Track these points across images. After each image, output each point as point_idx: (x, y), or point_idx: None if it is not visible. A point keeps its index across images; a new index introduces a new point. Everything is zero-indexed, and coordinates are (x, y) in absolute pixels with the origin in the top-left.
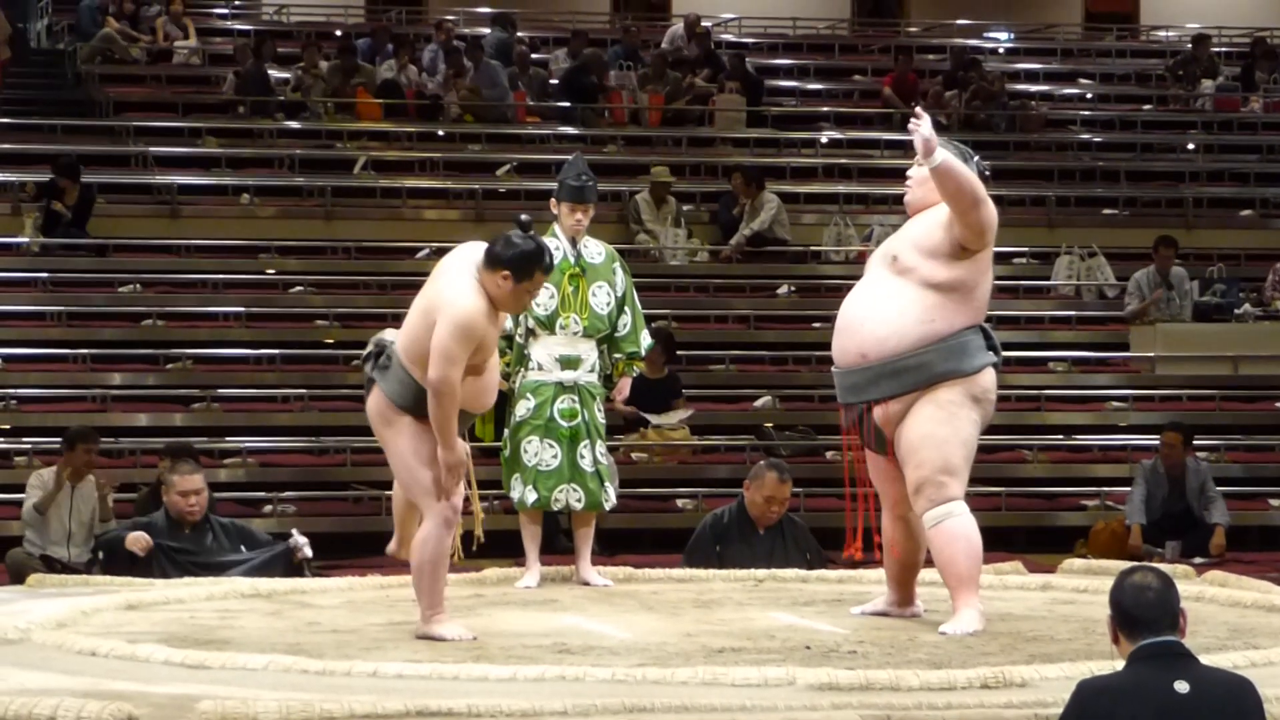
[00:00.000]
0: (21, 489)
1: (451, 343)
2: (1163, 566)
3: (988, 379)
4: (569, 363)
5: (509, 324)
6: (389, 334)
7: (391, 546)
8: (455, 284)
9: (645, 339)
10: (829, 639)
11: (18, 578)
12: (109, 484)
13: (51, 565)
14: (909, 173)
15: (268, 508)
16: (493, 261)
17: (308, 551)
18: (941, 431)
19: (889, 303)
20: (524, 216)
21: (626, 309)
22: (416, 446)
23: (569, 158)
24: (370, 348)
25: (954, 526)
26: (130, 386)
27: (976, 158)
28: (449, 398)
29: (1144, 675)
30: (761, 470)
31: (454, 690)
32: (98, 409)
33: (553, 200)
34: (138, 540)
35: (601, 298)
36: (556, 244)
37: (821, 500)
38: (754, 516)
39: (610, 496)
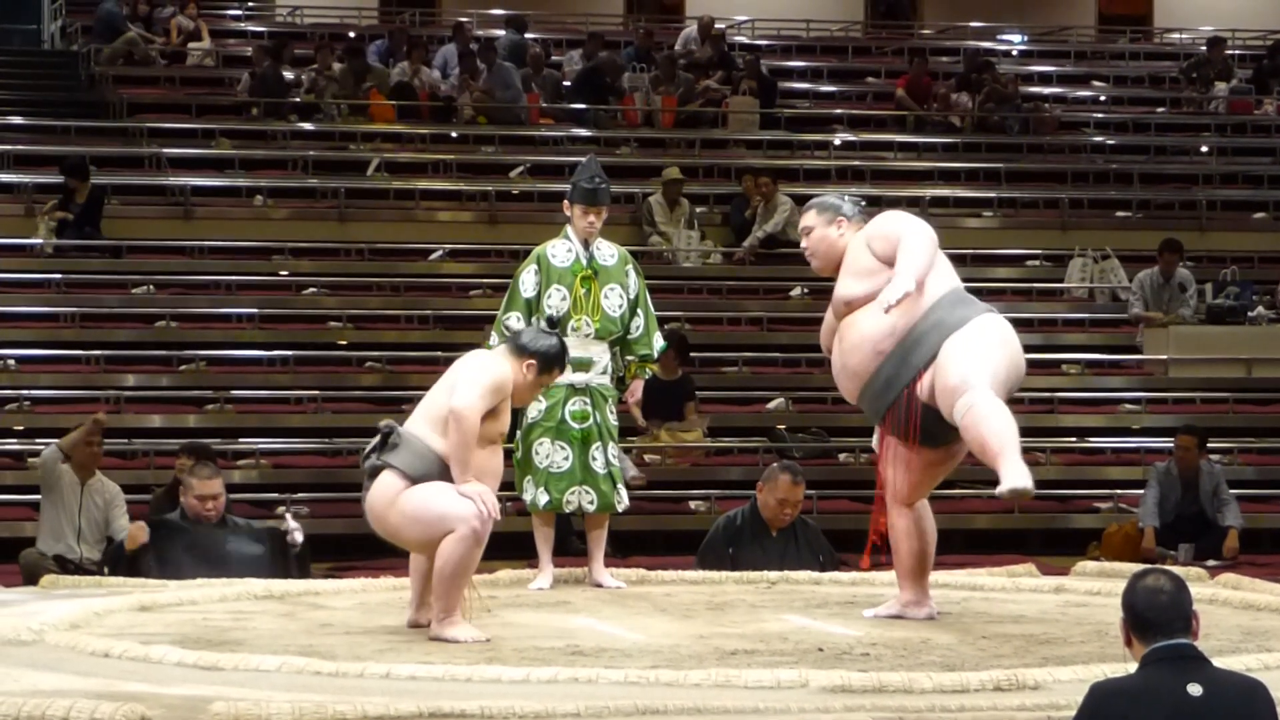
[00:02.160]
0: (36, 489)
1: (483, 381)
2: (1175, 569)
3: (1004, 326)
4: (580, 365)
5: (521, 326)
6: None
7: (410, 615)
8: (480, 354)
9: (658, 341)
10: (842, 641)
11: (31, 579)
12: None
13: (65, 566)
14: (803, 230)
15: (280, 509)
16: (520, 350)
17: (298, 537)
18: (960, 351)
19: (866, 316)
20: (551, 314)
21: (639, 311)
22: (418, 495)
23: (583, 159)
24: (374, 441)
25: (977, 410)
26: (143, 388)
27: (846, 199)
28: (469, 426)
29: (1157, 678)
30: (774, 472)
31: (467, 692)
32: (111, 410)
33: (565, 201)
34: (135, 537)
35: (614, 300)
36: (569, 246)
37: (835, 502)
38: (767, 518)
39: (623, 498)
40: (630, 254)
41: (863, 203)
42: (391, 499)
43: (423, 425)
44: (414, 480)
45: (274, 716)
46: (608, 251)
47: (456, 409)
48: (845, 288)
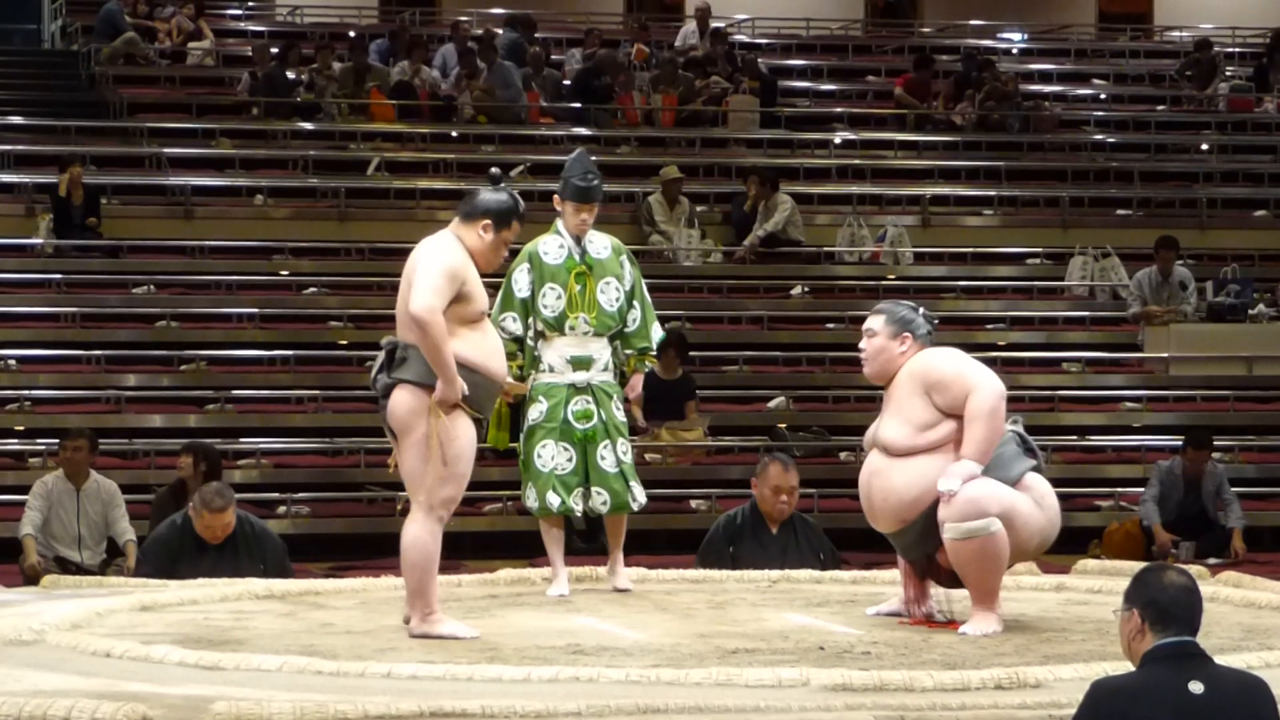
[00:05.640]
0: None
1: (433, 274)
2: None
3: (1038, 484)
4: (580, 363)
5: (518, 327)
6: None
7: (407, 610)
8: (427, 243)
9: (656, 333)
10: (843, 640)
11: (32, 579)
12: None
13: (65, 567)
14: (866, 331)
15: (282, 509)
16: (471, 213)
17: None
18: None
19: (905, 473)
20: (495, 170)
21: (636, 303)
22: (451, 447)
23: (572, 154)
24: (381, 358)
25: (987, 545)
26: (144, 388)
27: (922, 314)
28: (434, 324)
29: (1159, 675)
30: (764, 464)
31: (468, 691)
32: (112, 410)
33: (556, 197)
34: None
35: (610, 294)
36: (561, 241)
37: (835, 501)
38: (765, 512)
39: (637, 497)
40: (623, 244)
41: (936, 320)
42: (412, 415)
43: (409, 335)
44: (431, 388)
45: (276, 716)
46: (600, 244)
47: (416, 314)
48: (890, 432)
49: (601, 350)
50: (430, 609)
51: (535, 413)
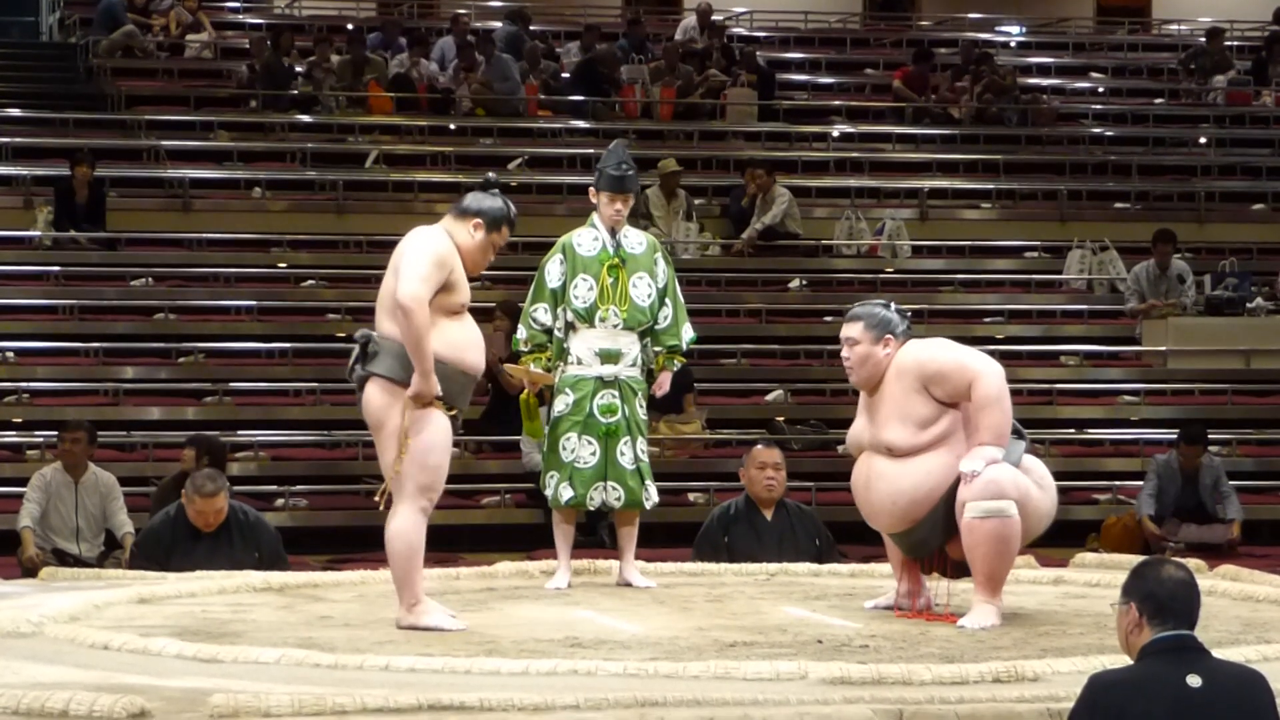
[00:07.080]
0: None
1: (421, 261)
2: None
3: (1035, 466)
4: (609, 357)
5: (548, 318)
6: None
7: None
8: (417, 231)
9: (688, 332)
10: (841, 633)
11: (30, 571)
12: None
13: (63, 559)
14: (846, 340)
15: (280, 501)
16: (464, 212)
17: None
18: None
19: (911, 472)
20: (490, 175)
21: (668, 301)
22: (411, 429)
23: (609, 146)
24: (355, 351)
25: (1004, 528)
26: (142, 380)
27: (894, 309)
28: (419, 314)
29: (1157, 669)
30: (748, 452)
31: (466, 684)
32: (109, 403)
33: (591, 189)
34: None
35: (642, 289)
36: (595, 234)
37: (833, 494)
38: (756, 496)
39: (651, 495)
40: (660, 242)
41: (909, 315)
42: (384, 407)
43: (389, 324)
44: (402, 383)
45: (273, 709)
46: (636, 239)
47: (403, 301)
48: (893, 434)
49: (631, 345)
50: (415, 599)
51: (561, 404)
